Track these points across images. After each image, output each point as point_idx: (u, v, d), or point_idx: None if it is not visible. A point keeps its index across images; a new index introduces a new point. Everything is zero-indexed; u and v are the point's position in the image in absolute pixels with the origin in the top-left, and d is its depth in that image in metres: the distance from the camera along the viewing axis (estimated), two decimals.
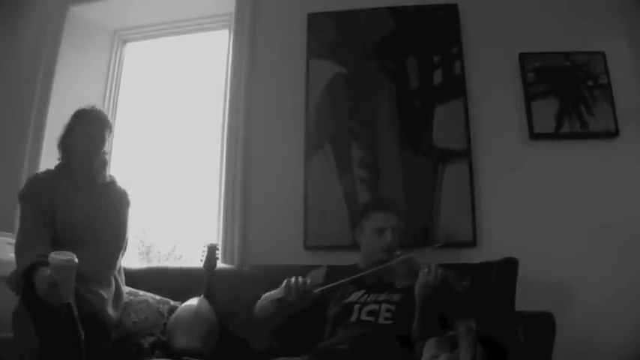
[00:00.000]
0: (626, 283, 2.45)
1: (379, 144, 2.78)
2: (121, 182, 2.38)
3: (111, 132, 2.36)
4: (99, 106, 2.37)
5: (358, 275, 2.02)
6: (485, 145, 2.73)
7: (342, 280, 2.02)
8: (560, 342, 1.72)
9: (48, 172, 2.32)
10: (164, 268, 2.89)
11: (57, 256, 1.79)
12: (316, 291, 1.98)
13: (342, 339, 1.91)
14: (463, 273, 1.81)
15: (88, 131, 2.25)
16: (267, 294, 2.13)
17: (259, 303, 2.14)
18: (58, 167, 2.29)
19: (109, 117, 2.43)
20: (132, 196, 2.34)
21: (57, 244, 2.09)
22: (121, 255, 2.24)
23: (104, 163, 2.31)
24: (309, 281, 1.98)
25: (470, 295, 1.81)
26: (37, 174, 2.33)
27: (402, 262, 1.99)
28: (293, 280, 1.97)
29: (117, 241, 2.21)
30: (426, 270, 1.82)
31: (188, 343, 2.14)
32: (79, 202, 2.20)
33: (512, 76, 2.81)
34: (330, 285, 2.01)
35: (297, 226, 2.73)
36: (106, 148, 2.32)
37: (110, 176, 2.36)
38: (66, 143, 2.27)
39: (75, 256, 1.82)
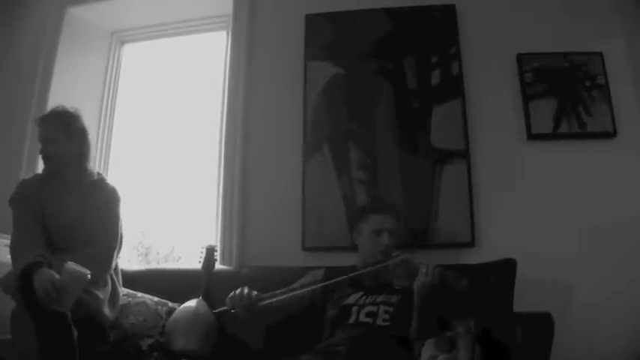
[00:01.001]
0: (625, 283, 2.45)
1: (377, 145, 2.78)
2: (110, 180, 2.38)
3: (69, 130, 2.24)
4: (60, 108, 2.30)
5: (348, 276, 2.02)
6: (483, 146, 2.73)
7: (290, 288, 2.06)
8: (558, 343, 1.72)
9: (36, 175, 2.34)
10: (162, 269, 2.90)
11: (73, 266, 1.86)
12: (263, 303, 1.98)
13: (339, 340, 1.91)
14: (461, 272, 1.82)
15: (40, 135, 2.25)
16: None
17: None
18: (44, 171, 2.29)
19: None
20: (121, 193, 2.34)
21: (50, 247, 2.10)
22: (115, 254, 2.23)
23: (66, 162, 2.24)
24: (254, 293, 1.99)
25: (468, 295, 1.81)
26: (24, 179, 2.34)
27: (399, 263, 1.99)
28: (238, 291, 1.99)
29: (110, 240, 2.21)
30: (424, 270, 1.82)
31: (186, 345, 2.14)
32: (68, 203, 2.20)
33: (510, 77, 2.81)
34: (273, 294, 2.02)
35: (296, 227, 2.72)
36: (69, 147, 2.23)
37: (98, 174, 2.36)
38: None
39: (89, 272, 1.88)
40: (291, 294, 2.05)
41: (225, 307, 2.00)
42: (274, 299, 2.01)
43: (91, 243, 2.14)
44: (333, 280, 2.04)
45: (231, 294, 2.00)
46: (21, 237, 2.09)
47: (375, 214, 2.19)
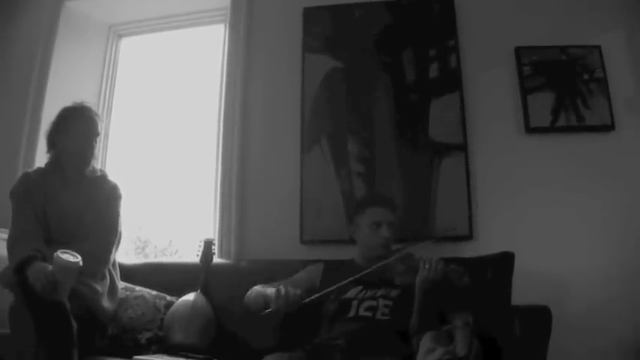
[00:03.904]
0: (623, 276, 2.45)
1: (375, 138, 2.78)
2: (112, 176, 2.38)
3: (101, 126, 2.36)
4: (88, 102, 2.36)
5: (358, 276, 1.97)
6: (481, 139, 2.73)
7: (331, 288, 1.95)
8: (556, 336, 1.72)
9: (39, 169, 2.33)
10: (160, 263, 2.89)
11: (62, 256, 1.84)
12: (306, 301, 1.88)
13: (339, 334, 1.91)
14: (464, 268, 1.81)
15: (84, 131, 2.26)
16: (260, 288, 2.06)
17: (251, 295, 2.08)
18: (48, 164, 2.29)
19: (99, 112, 2.42)
20: (122, 190, 2.35)
21: (49, 241, 2.10)
22: (114, 249, 2.24)
23: (94, 157, 2.32)
24: (298, 292, 1.86)
25: (469, 291, 1.81)
26: (27, 172, 2.34)
27: (400, 259, 1.98)
28: (284, 292, 1.84)
29: (109, 235, 2.22)
30: (427, 265, 1.81)
31: (185, 339, 2.14)
32: (70, 198, 2.20)
33: (508, 70, 2.81)
34: (317, 295, 1.93)
35: (294, 220, 2.72)
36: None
37: (101, 170, 2.37)
38: (58, 141, 2.26)
39: (80, 259, 1.86)
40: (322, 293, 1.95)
41: (269, 310, 1.86)
42: (311, 298, 1.90)
43: (90, 238, 2.14)
44: (346, 281, 1.95)
45: (277, 292, 1.83)
46: (18, 231, 2.09)
47: (373, 207, 2.18)
